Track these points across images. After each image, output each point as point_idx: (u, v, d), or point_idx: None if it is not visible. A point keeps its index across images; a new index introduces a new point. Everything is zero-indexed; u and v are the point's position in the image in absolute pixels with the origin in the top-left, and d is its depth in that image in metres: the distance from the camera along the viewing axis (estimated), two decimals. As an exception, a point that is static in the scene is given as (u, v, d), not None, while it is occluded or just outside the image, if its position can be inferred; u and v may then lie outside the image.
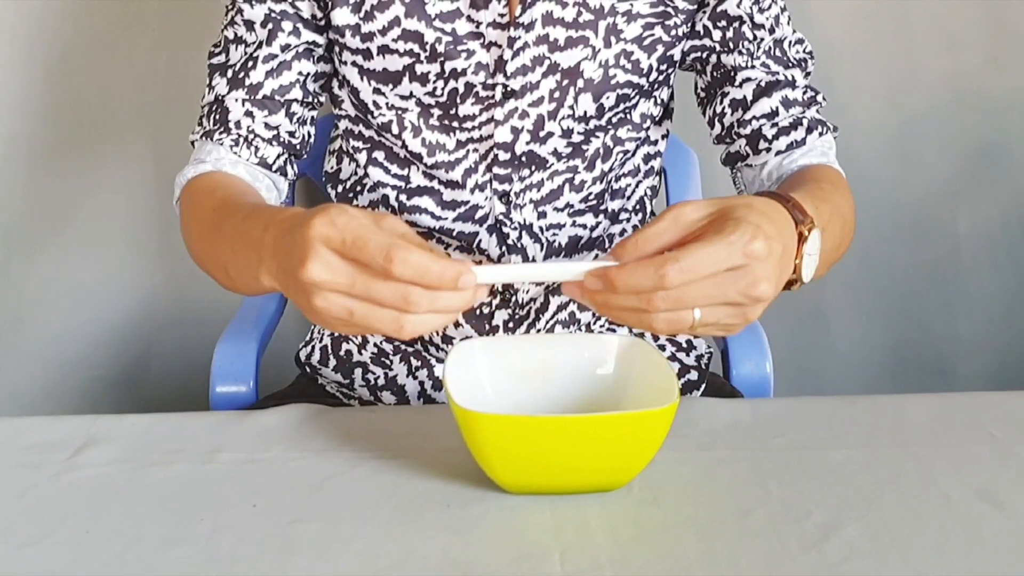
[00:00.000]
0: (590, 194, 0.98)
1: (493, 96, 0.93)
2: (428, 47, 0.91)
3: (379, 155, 0.99)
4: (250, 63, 0.95)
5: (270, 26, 0.94)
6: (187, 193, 0.94)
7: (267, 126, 0.95)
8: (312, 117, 1.00)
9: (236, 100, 0.95)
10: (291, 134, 0.97)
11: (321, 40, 0.97)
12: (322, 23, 0.96)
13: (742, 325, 0.70)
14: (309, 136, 1.00)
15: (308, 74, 0.97)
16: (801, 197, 0.77)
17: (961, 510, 0.69)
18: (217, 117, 0.95)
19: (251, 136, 0.95)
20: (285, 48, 0.95)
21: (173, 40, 1.42)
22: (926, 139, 1.51)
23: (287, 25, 0.95)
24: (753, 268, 0.67)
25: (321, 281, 0.66)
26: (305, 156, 1.01)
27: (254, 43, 0.95)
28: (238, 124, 0.95)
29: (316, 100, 0.99)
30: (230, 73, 0.95)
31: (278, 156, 0.96)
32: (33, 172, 1.45)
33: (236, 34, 0.96)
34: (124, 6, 1.40)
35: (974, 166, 1.52)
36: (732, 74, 0.97)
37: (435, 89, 0.93)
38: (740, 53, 0.96)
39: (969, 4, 1.46)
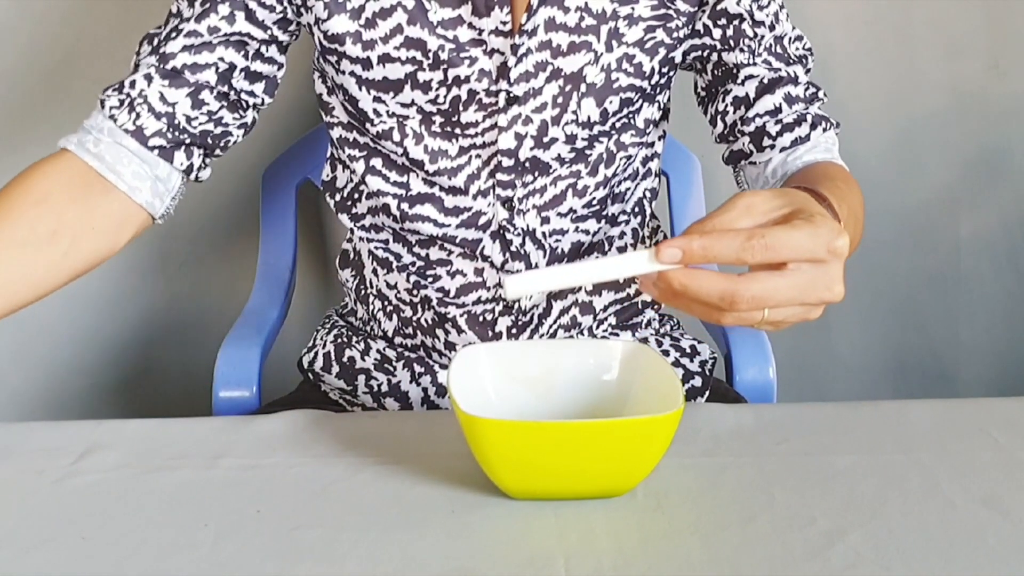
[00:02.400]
0: (593, 199, 0.98)
1: (496, 102, 0.92)
2: (431, 54, 0.91)
3: (376, 163, 0.98)
4: (173, 34, 0.92)
5: (207, 5, 0.92)
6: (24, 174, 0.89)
7: (163, 99, 0.91)
8: (235, 120, 0.95)
9: (146, 64, 0.92)
10: (189, 119, 0.92)
11: (260, 36, 0.94)
12: (279, 24, 0.94)
13: (795, 323, 0.70)
14: (224, 136, 0.95)
15: (233, 65, 0.93)
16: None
17: (966, 517, 0.69)
18: (124, 79, 0.93)
19: (139, 101, 0.91)
20: (212, 30, 0.92)
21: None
22: (927, 144, 1.51)
23: (223, 9, 0.92)
24: (831, 267, 0.67)
25: None
26: (220, 154, 0.96)
27: (187, 18, 0.92)
28: (133, 84, 0.91)
29: (242, 100, 0.96)
30: (155, 42, 0.93)
31: (158, 132, 0.91)
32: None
33: (177, 8, 0.94)
34: (125, 10, 1.40)
35: (975, 171, 1.52)
36: (734, 71, 0.96)
37: (437, 97, 0.93)
38: (741, 50, 0.95)
39: (970, 9, 1.46)
